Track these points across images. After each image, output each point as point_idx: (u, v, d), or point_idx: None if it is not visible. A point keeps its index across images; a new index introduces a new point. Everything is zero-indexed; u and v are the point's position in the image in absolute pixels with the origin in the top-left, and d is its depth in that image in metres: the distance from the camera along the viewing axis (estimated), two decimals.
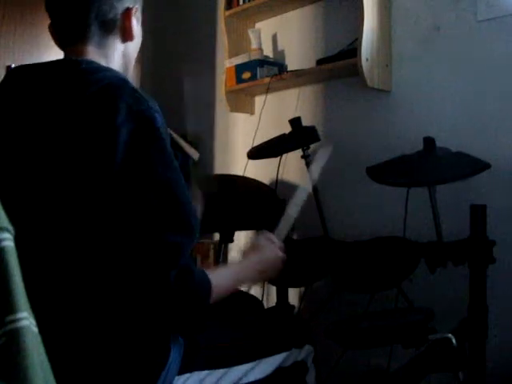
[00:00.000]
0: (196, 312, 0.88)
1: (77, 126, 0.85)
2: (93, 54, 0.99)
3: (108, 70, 0.94)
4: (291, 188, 2.17)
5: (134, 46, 1.08)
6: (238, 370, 1.03)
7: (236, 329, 1.14)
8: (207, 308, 0.89)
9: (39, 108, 0.89)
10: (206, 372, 0.99)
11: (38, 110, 0.89)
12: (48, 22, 1.02)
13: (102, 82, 0.88)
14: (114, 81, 0.90)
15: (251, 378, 1.05)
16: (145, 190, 0.83)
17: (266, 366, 1.08)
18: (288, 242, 1.20)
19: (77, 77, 0.90)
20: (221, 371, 1.01)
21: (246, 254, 1.11)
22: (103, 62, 0.98)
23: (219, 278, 0.94)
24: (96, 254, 0.84)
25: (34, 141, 0.88)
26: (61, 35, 1.01)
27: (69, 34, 1.00)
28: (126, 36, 1.03)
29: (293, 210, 1.26)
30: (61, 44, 1.02)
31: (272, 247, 1.12)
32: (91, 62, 0.94)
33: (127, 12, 1.01)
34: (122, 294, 0.84)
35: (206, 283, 0.89)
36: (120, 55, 1.04)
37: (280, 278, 1.13)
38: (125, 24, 1.02)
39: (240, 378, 1.03)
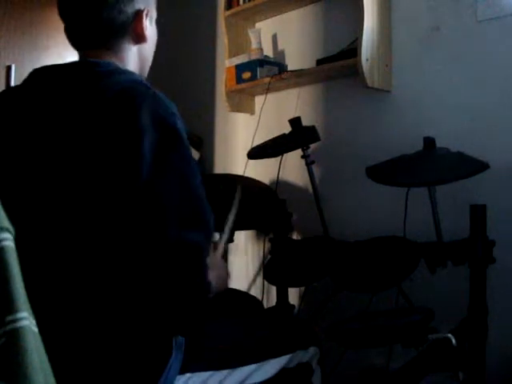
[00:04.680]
0: (199, 307, 0.88)
1: (95, 129, 0.84)
2: (107, 56, 0.98)
3: (126, 72, 0.95)
4: (291, 188, 2.19)
5: (149, 46, 1.07)
6: (241, 372, 1.03)
7: (239, 330, 1.14)
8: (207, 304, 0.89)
9: (54, 110, 0.89)
10: (209, 373, 0.98)
11: (53, 113, 0.89)
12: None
13: (122, 84, 0.88)
14: (134, 85, 0.89)
15: (255, 379, 1.04)
16: (174, 201, 0.84)
17: (270, 367, 1.07)
18: (288, 242, 1.20)
19: (95, 79, 0.90)
20: (224, 372, 1.00)
21: None
22: (119, 65, 0.98)
23: None
24: (98, 255, 0.84)
25: (44, 142, 0.88)
26: (74, 40, 1.01)
27: (82, 39, 1.00)
28: (139, 38, 1.02)
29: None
30: (76, 47, 1.02)
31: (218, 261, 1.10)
32: (108, 64, 0.94)
33: (138, 15, 1.00)
34: (126, 294, 0.84)
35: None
36: (135, 57, 1.04)
37: (279, 278, 1.12)
38: (136, 27, 1.01)
39: (244, 380, 1.03)
